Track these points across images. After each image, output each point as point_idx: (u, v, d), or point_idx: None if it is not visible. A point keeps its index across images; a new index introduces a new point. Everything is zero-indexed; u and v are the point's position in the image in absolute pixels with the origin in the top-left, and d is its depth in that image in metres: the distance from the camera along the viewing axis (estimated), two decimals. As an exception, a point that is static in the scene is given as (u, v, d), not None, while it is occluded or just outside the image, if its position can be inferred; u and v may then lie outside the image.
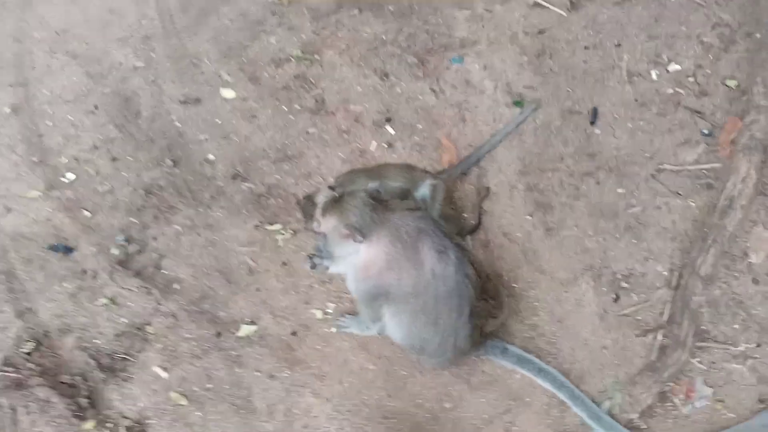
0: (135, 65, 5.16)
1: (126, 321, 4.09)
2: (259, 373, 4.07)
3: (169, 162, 4.65)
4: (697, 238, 4.14)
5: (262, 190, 4.55)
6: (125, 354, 4.04)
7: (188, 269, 4.28)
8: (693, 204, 4.28)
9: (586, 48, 5.07)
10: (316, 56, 4.98)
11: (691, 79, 4.85)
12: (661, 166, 4.46)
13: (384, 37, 5.25)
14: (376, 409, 3.87)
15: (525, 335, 4.08)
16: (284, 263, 4.33)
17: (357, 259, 3.84)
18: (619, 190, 4.43)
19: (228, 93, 4.87)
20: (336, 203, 3.82)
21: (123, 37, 5.28)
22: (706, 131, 4.53)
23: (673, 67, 4.94)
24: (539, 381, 4.04)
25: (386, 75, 4.92)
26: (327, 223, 3.84)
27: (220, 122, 4.76)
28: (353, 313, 4.29)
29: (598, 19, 5.14)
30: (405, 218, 3.83)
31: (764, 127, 4.25)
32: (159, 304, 4.18)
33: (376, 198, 3.86)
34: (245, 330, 4.18)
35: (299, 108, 4.80)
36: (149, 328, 4.08)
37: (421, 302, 3.83)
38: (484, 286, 3.99)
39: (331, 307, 4.22)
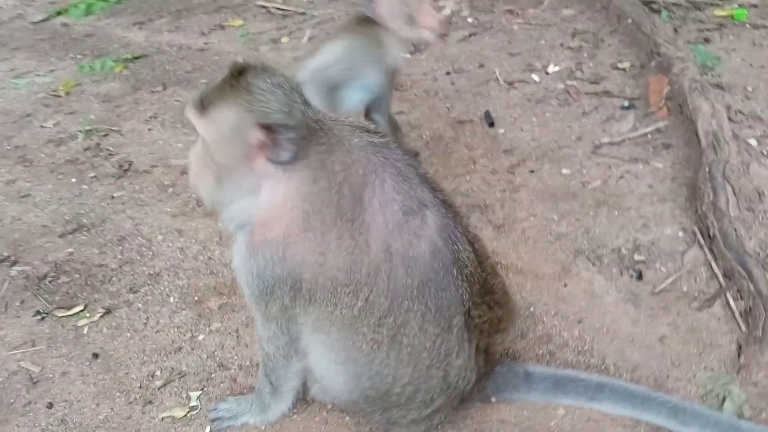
0: None
1: None
2: None
3: None
4: (694, 189, 3.41)
5: (45, 271, 2.79)
6: None
7: None
8: (660, 165, 3.71)
9: (447, 73, 4.56)
10: (114, 128, 3.80)
11: (579, 73, 4.50)
12: (597, 143, 3.91)
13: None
14: None
15: (538, 352, 2.53)
16: (96, 355, 2.46)
17: (254, 206, 1.97)
18: (565, 171, 3.73)
19: (-21, 181, 3.30)
20: (234, 83, 1.90)
21: None
22: (626, 104, 4.19)
23: (552, 68, 4.64)
24: (601, 407, 2.40)
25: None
26: (213, 121, 1.91)
27: (-34, 212, 3.09)
28: (244, 393, 2.33)
29: (448, 53, 4.77)
30: (355, 134, 2.04)
31: (694, 71, 4.10)
32: None
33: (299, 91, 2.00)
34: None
35: (95, 176, 3.40)
36: None
37: (362, 303, 1.99)
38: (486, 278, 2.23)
39: (195, 396, 2.25)
